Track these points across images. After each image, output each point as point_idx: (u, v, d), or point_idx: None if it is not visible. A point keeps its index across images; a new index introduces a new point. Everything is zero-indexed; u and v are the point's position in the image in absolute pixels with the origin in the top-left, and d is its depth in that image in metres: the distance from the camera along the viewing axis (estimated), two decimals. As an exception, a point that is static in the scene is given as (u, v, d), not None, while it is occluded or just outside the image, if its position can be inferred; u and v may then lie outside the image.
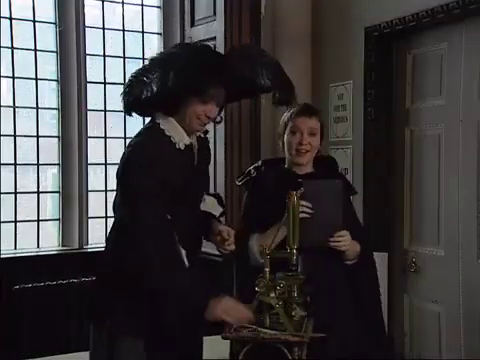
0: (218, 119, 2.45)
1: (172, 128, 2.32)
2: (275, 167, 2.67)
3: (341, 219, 2.45)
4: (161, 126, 2.32)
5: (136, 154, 2.27)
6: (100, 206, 4.36)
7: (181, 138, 2.32)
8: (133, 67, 4.51)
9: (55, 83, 4.28)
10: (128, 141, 2.52)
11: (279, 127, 2.66)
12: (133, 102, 2.31)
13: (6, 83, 4.13)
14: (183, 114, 2.30)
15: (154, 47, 4.61)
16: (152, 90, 2.25)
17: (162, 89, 2.24)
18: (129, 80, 2.34)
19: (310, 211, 2.42)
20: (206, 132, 2.48)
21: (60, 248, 4.26)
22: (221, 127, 4.00)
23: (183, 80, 2.23)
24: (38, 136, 4.21)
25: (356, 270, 2.55)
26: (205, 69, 2.27)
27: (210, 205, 2.49)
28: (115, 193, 2.38)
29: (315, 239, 2.41)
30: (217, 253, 2.52)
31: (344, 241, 2.44)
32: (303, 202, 2.39)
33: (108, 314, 2.30)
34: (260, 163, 2.72)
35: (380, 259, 2.87)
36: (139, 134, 2.38)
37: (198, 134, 2.43)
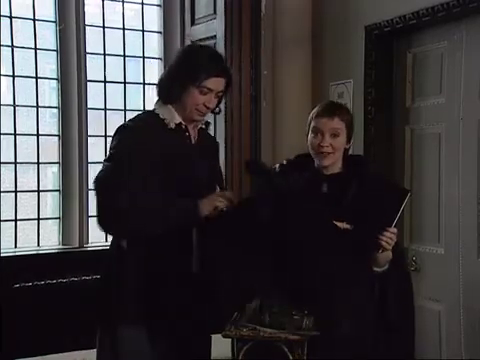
0: (217, 110, 2.55)
1: (166, 112, 2.43)
2: (303, 165, 2.56)
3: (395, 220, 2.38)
4: (156, 111, 2.46)
5: (122, 129, 2.41)
6: (100, 205, 4.36)
7: (172, 118, 2.42)
8: (133, 66, 4.56)
9: (55, 82, 4.28)
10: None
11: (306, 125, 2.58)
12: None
13: (6, 82, 4.13)
14: (183, 104, 2.41)
15: (154, 46, 4.62)
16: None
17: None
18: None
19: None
20: (208, 124, 2.58)
21: (60, 247, 4.27)
22: (221, 127, 4.01)
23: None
24: (38, 135, 4.21)
25: (385, 279, 2.43)
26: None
27: None
28: None
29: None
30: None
31: (392, 240, 2.34)
32: (342, 224, 2.37)
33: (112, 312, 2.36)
34: (292, 158, 2.63)
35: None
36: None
37: (199, 126, 2.52)
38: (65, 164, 4.27)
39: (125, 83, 4.49)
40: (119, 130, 2.41)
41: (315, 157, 2.50)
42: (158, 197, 2.30)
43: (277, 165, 2.62)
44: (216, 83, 2.39)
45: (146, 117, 2.51)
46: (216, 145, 2.74)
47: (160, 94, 2.48)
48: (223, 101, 3.96)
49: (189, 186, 2.37)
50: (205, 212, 2.32)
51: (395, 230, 2.37)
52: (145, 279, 2.33)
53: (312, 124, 2.50)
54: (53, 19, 4.25)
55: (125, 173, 2.31)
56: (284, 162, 2.61)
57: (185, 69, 2.40)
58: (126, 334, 2.32)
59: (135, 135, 2.36)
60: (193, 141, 2.48)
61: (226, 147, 4.06)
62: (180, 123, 2.43)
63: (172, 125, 2.42)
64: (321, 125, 2.46)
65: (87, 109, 4.31)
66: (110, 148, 2.41)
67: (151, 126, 2.41)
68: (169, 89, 2.43)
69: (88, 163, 4.31)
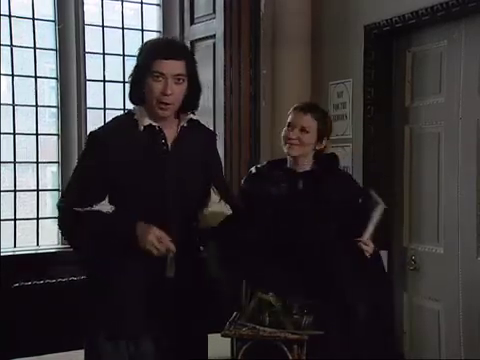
0: (196, 106, 2.42)
1: (139, 112, 2.35)
2: (277, 166, 2.72)
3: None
4: (133, 112, 2.38)
5: (88, 137, 2.39)
6: (100, 204, 4.37)
7: (142, 120, 2.32)
8: (133, 65, 4.52)
9: (54, 81, 4.27)
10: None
11: None
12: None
13: (6, 81, 4.13)
14: (147, 101, 2.31)
15: (154, 45, 4.61)
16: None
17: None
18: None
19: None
20: (191, 121, 2.42)
21: (60, 246, 4.26)
22: (221, 127, 4.00)
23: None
24: (37, 134, 4.21)
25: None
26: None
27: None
28: None
29: None
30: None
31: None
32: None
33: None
34: (265, 163, 2.79)
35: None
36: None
37: (181, 124, 2.39)
38: (64, 163, 4.26)
39: (124, 82, 4.48)
40: (87, 138, 2.40)
41: (285, 148, 2.67)
42: (100, 220, 2.26)
43: (253, 168, 2.78)
44: (166, 65, 2.24)
45: (120, 119, 2.44)
46: (210, 140, 2.55)
47: (128, 96, 2.39)
48: (222, 100, 4.05)
49: (151, 189, 2.29)
50: (141, 243, 2.21)
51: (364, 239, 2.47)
52: (120, 282, 2.29)
53: (288, 118, 2.69)
54: (52, 18, 4.24)
55: (74, 190, 2.32)
56: (258, 166, 2.79)
57: (138, 63, 2.33)
58: (105, 337, 2.30)
59: (96, 145, 2.32)
60: (170, 141, 2.36)
61: (225, 146, 4.05)
62: (151, 124, 2.32)
63: (141, 127, 2.32)
64: (293, 119, 2.66)
65: (86, 108, 4.31)
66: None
67: (120, 130, 2.34)
68: (131, 88, 2.35)
69: (87, 162, 4.30)
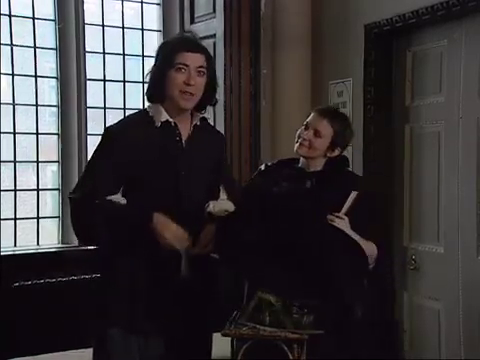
0: (213, 101, 2.47)
1: (155, 109, 2.38)
2: (287, 165, 2.69)
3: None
4: (147, 109, 2.41)
5: (104, 132, 2.39)
6: (100, 203, 4.37)
7: (159, 116, 2.35)
8: (133, 64, 4.55)
9: (55, 80, 4.28)
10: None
11: None
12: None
13: (6, 80, 4.13)
14: (168, 94, 2.34)
15: (154, 44, 4.61)
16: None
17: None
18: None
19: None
20: (203, 119, 2.47)
21: (60, 245, 4.27)
22: (221, 126, 4.01)
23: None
24: (38, 133, 4.21)
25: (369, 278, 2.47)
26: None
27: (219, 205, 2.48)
28: None
29: None
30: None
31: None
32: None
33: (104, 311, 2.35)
34: (275, 161, 2.76)
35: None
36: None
37: (194, 122, 2.42)
38: (64, 163, 4.27)
39: (124, 82, 4.49)
40: (102, 134, 2.40)
41: (295, 146, 2.64)
42: (114, 207, 2.27)
43: (263, 165, 2.74)
44: (190, 58, 2.31)
45: (135, 116, 2.48)
46: (220, 139, 2.64)
47: (147, 94, 2.42)
48: (222, 99, 4.04)
49: (164, 185, 2.32)
50: (158, 237, 2.25)
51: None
52: (134, 279, 2.30)
53: (307, 117, 2.66)
54: (53, 18, 4.25)
55: (88, 183, 2.31)
56: (269, 163, 2.74)
57: (159, 59, 2.38)
58: (117, 334, 2.30)
59: (112, 140, 2.33)
60: (184, 139, 2.39)
61: (225, 146, 4.05)
62: (167, 120, 2.35)
63: (158, 123, 2.35)
64: (310, 120, 2.63)
65: (86, 108, 4.32)
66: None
67: (136, 126, 2.36)
68: (152, 84, 2.38)
69: (87, 162, 4.31)
